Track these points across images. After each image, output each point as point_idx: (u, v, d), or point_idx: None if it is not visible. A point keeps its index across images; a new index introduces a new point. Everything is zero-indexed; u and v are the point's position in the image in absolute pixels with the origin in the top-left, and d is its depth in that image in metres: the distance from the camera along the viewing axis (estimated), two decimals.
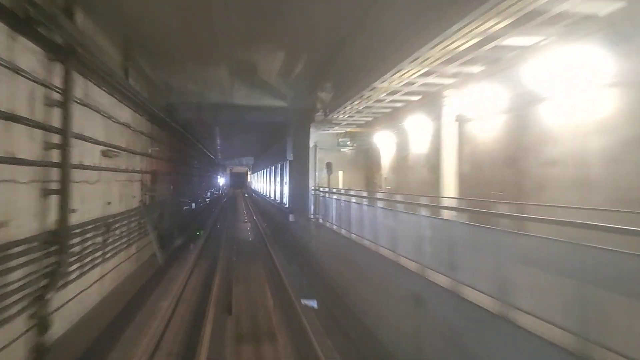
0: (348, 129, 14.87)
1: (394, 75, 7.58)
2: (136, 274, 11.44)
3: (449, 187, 9.28)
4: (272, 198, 32.25)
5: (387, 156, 13.73)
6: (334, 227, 11.57)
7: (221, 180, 60.06)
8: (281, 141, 23.85)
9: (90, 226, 8.20)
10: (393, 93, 8.97)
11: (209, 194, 38.40)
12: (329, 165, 14.91)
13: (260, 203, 42.89)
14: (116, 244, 9.80)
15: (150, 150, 13.81)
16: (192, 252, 16.06)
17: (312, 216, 15.03)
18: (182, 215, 20.89)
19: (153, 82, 13.89)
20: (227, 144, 35.83)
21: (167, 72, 13.85)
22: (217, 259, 14.72)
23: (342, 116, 12.78)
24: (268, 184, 36.79)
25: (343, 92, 11.28)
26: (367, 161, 15.67)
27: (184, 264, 13.85)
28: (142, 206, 12.29)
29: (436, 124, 9.81)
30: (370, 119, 13.06)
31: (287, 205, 22.75)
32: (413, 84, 8.10)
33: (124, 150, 10.64)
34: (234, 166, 68.32)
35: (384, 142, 13.78)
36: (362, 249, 8.58)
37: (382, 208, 7.75)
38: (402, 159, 12.35)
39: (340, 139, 15.70)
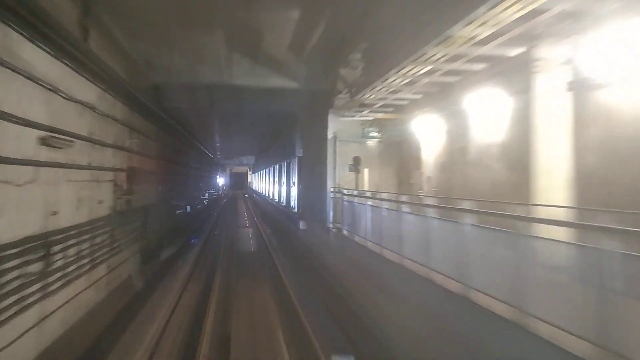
0: (379, 115, 11.68)
1: (495, 8, 4.58)
2: (103, 306, 8.46)
3: (549, 191, 6.25)
4: (277, 200, 29.28)
5: (431, 149, 10.47)
6: (369, 243, 8.53)
7: (220, 181, 58.47)
8: (288, 135, 21.02)
9: (15, 250, 5.40)
10: (482, 43, 5.79)
11: (207, 195, 35.99)
12: (356, 161, 11.78)
13: (261, 205, 40.18)
14: (70, 269, 7.04)
15: (128, 143, 10.96)
16: (183, 269, 13.06)
17: (331, 225, 12.01)
18: (174, 220, 18.20)
19: (130, 56, 10.97)
20: (227, 142, 33.54)
21: (148, 42, 10.85)
22: (213, 280, 11.71)
23: (376, 95, 9.51)
24: (271, 184, 33.97)
25: (382, 60, 8.18)
26: (400, 156, 12.45)
27: (169, 287, 10.83)
28: (113, 214, 9.43)
29: (521, 99, 6.81)
30: (418, 96, 9.87)
31: (295, 210, 19.75)
32: (537, 14, 4.83)
33: (85, 140, 7.79)
34: (234, 166, 67.17)
35: (427, 130, 10.49)
36: (430, 286, 5.59)
37: (476, 226, 4.76)
38: (456, 151, 9.19)
39: (365, 129, 12.55)
